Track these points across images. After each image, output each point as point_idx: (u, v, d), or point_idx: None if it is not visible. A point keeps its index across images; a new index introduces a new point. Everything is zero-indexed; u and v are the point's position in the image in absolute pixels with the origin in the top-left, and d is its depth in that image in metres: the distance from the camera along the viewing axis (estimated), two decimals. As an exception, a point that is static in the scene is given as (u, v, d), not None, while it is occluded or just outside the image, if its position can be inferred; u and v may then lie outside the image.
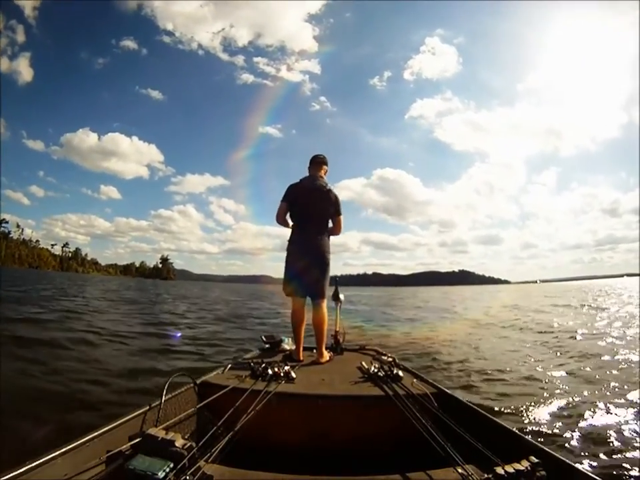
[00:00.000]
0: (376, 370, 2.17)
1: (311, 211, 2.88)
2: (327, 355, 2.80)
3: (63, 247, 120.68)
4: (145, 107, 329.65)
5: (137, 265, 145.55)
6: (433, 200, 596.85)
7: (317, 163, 3.04)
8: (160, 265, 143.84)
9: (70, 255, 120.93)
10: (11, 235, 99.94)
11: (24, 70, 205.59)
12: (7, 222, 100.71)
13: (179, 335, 7.11)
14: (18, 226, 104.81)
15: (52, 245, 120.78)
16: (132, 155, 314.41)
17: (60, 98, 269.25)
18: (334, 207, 2.90)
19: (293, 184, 2.97)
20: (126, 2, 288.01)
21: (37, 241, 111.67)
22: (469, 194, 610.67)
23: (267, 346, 3.10)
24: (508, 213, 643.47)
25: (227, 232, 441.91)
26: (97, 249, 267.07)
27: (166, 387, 1.64)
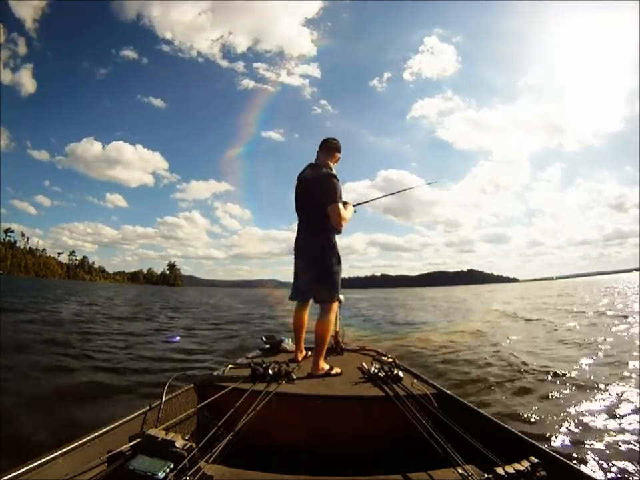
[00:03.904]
0: (376, 370, 2.16)
1: (308, 206, 2.52)
2: (323, 367, 2.32)
3: (69, 255, 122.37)
4: (147, 115, 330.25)
5: (145, 272, 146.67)
6: (438, 200, 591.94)
7: (327, 148, 2.61)
8: (167, 272, 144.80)
9: (77, 263, 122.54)
10: (17, 245, 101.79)
11: (27, 81, 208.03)
12: (12, 231, 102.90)
13: (177, 338, 6.84)
14: (23, 235, 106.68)
15: (58, 253, 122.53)
16: (136, 163, 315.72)
17: (63, 108, 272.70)
18: (327, 195, 2.38)
19: (298, 175, 2.61)
20: (124, 12, 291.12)
21: (44, 249, 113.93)
22: (474, 193, 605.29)
23: (267, 346, 3.09)
24: (514, 211, 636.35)
25: (233, 237, 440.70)
26: (104, 257, 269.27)
27: (166, 388, 1.65)
